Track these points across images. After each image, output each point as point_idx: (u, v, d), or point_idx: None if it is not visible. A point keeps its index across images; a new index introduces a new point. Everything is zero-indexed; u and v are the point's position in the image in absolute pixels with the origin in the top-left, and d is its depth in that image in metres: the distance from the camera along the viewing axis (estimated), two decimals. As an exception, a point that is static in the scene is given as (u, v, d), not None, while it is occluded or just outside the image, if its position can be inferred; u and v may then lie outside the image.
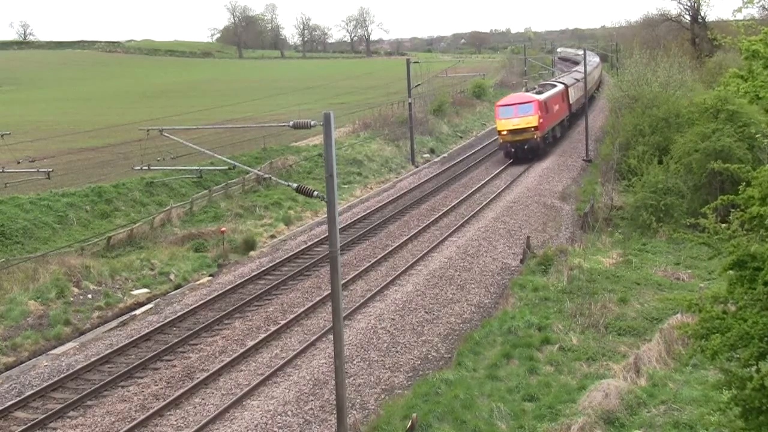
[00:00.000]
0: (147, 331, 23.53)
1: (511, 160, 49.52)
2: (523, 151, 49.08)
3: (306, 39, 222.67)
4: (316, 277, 28.08)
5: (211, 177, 41.07)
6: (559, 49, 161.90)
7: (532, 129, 48.74)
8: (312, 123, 14.35)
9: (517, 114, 48.95)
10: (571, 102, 62.10)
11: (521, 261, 28.26)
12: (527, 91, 59.63)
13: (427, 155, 56.43)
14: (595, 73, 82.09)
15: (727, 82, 11.09)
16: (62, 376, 20.45)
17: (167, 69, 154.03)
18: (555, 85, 60.41)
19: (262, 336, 22.40)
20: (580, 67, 68.38)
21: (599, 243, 30.45)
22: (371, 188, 45.88)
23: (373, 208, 38.56)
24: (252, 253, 32.84)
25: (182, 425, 17.40)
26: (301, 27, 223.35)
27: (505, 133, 49.29)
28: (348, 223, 35.58)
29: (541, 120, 49.02)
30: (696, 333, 9.85)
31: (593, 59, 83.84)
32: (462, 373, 18.56)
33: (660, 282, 24.82)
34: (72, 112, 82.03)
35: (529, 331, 20.72)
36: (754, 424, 9.37)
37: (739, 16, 12.17)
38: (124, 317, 25.91)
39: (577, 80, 65.08)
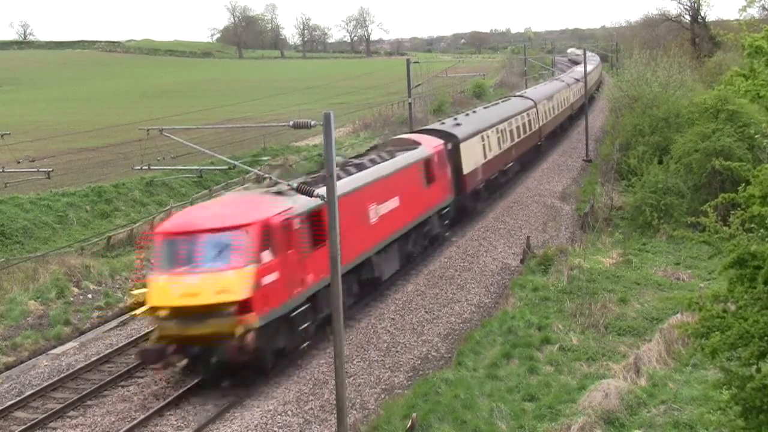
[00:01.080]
0: (147, 330, 23.47)
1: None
2: (206, 366, 18.21)
3: (306, 39, 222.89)
4: (316, 277, 27.99)
5: (211, 177, 41.12)
6: (569, 50, 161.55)
7: (232, 309, 16.87)
8: (312, 123, 14.36)
9: (197, 264, 17.52)
10: (471, 169, 32.81)
11: (521, 261, 28.24)
12: (271, 187, 20.11)
13: (427, 155, 56.35)
14: (594, 74, 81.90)
15: (730, 81, 11.08)
16: (62, 375, 20.42)
17: (167, 69, 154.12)
18: (409, 148, 27.82)
19: (262, 336, 22.30)
20: (544, 86, 61.88)
21: (599, 243, 30.45)
22: (371, 188, 45.76)
23: (373, 208, 38.37)
24: (252, 253, 32.76)
25: (182, 425, 17.38)
26: (301, 27, 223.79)
27: (164, 314, 17.61)
28: (348, 223, 35.53)
29: (262, 280, 17.30)
30: (696, 332, 9.87)
31: (590, 66, 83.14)
32: (462, 372, 18.56)
33: (660, 282, 24.83)
34: (72, 112, 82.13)
35: (529, 331, 20.72)
36: (754, 424, 9.39)
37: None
38: (124, 317, 25.89)
39: (525, 110, 44.58)
